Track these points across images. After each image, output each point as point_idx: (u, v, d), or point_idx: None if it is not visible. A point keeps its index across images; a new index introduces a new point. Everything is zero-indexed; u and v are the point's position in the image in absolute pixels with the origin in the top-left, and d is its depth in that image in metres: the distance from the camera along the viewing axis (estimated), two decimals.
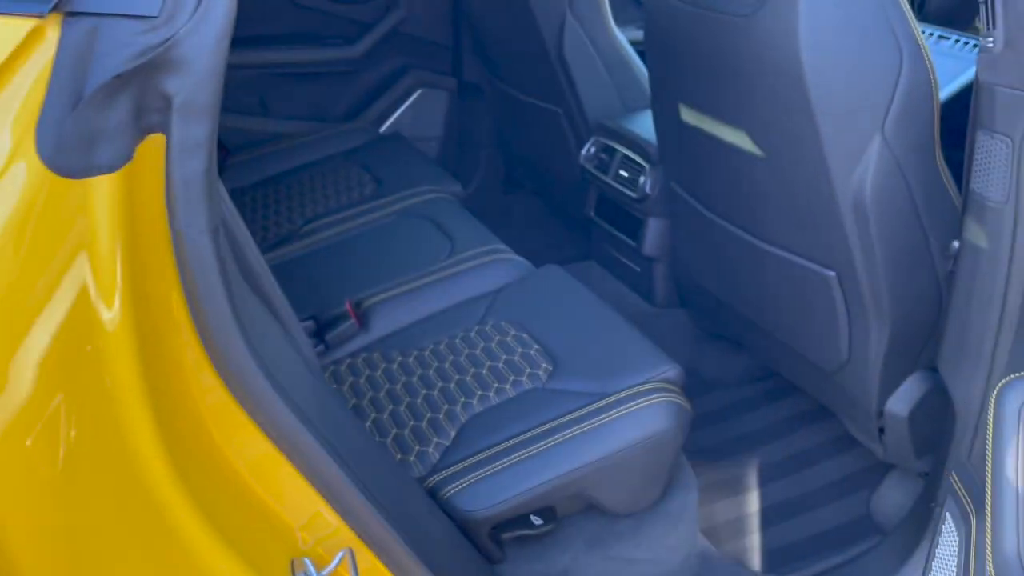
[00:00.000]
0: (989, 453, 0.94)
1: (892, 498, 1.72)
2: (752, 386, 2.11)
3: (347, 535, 0.93)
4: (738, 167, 1.56)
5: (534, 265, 1.83)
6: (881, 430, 1.58)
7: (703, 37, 1.48)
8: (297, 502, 0.90)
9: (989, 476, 0.93)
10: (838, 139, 1.36)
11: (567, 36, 2.14)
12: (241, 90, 2.55)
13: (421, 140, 2.73)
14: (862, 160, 1.36)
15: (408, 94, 2.71)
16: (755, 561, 1.65)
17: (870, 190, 1.37)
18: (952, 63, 1.80)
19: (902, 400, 1.53)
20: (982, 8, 1.21)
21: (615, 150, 2.14)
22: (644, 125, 2.10)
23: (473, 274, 1.79)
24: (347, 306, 1.71)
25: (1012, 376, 0.99)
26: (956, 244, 1.40)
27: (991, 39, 1.20)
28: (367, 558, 0.95)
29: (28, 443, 0.68)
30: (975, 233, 1.30)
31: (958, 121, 1.32)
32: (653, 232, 2.08)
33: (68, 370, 0.69)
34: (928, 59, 1.33)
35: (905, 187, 1.39)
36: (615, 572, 1.44)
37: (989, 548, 1.03)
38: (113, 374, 0.71)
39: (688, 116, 1.64)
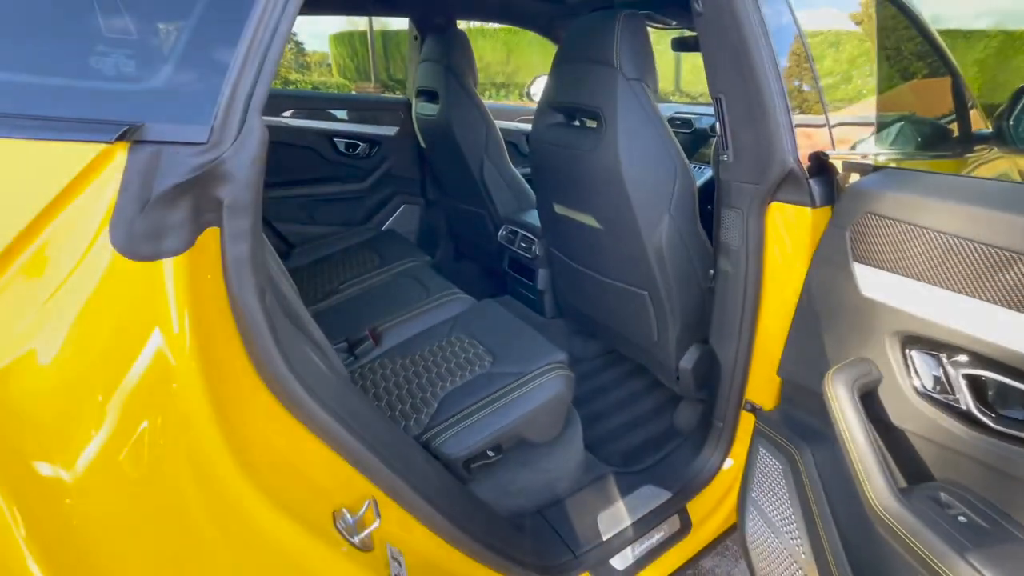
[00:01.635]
0: (841, 418, 0.79)
1: (685, 415, 1.64)
2: (602, 358, 2.00)
3: (370, 489, 0.76)
4: (588, 235, 1.46)
5: (476, 300, 1.69)
6: (677, 378, 1.49)
7: (565, 163, 1.38)
8: (332, 472, 0.72)
9: (845, 432, 0.78)
10: (645, 218, 1.27)
11: (485, 169, 2.02)
12: (298, 210, 2.33)
13: (405, 233, 2.57)
14: (658, 229, 1.28)
15: (396, 208, 2.55)
16: (615, 460, 1.53)
17: (665, 245, 1.29)
18: None
19: (688, 360, 1.45)
20: (718, 140, 1.14)
21: (517, 232, 2.02)
22: (534, 217, 2.00)
23: (441, 308, 1.63)
24: (368, 332, 1.52)
25: (835, 367, 0.86)
26: (712, 272, 1.32)
27: (725, 155, 1.13)
28: (386, 502, 0.78)
29: (121, 456, 0.49)
30: (724, 264, 1.22)
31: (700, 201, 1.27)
32: (542, 277, 1.96)
33: (151, 405, 0.51)
34: (690, 170, 1.26)
35: (682, 241, 1.30)
36: (537, 479, 1.29)
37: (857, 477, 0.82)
38: (188, 401, 0.53)
39: (558, 209, 1.54)
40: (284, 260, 2.14)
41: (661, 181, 1.23)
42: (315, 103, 2.31)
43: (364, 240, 2.24)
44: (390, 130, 2.43)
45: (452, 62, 1.92)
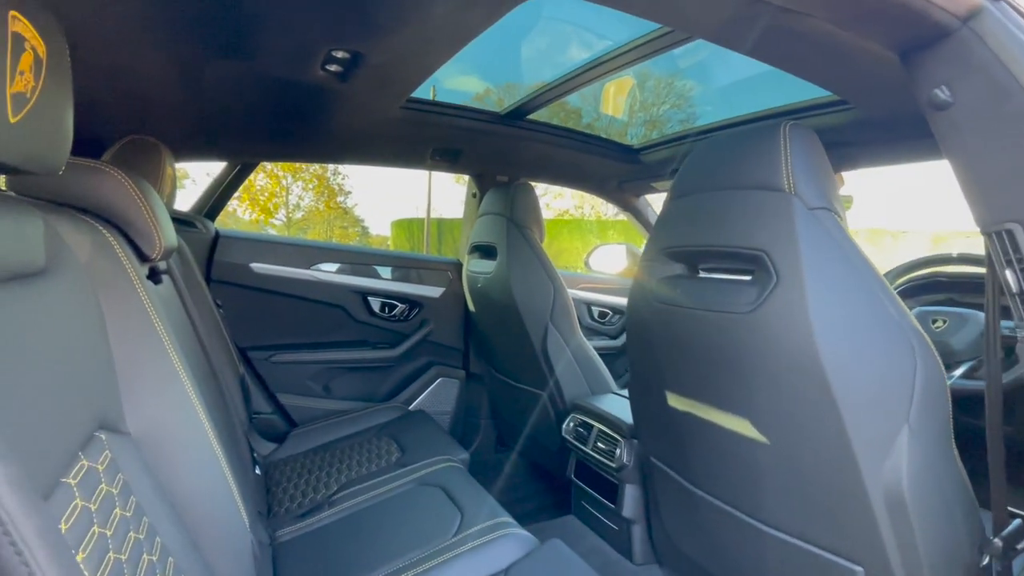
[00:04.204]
0: None
1: None
2: None
3: None
4: (736, 451, 0.88)
5: (520, 514, 1.08)
6: None
7: (695, 333, 0.88)
8: None
9: None
10: (864, 429, 0.70)
11: (549, 339, 1.55)
12: (311, 379, 1.86)
13: (439, 413, 2.03)
14: (892, 451, 0.69)
15: (431, 382, 2.05)
16: None
17: (907, 483, 0.69)
18: None
19: None
20: (1014, 301, 0.63)
21: (592, 425, 1.44)
22: (612, 405, 1.44)
23: (482, 552, 0.99)
24: None
25: None
26: (997, 542, 0.70)
27: None
28: None
29: None
30: None
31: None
32: (630, 497, 1.31)
33: None
34: (936, 354, 0.72)
35: (936, 481, 0.71)
36: None
37: None
38: None
39: (677, 402, 0.98)
40: (278, 445, 1.60)
41: (889, 369, 0.70)
42: (357, 258, 2.02)
43: (384, 423, 1.71)
44: (435, 291, 2.07)
45: (516, 214, 1.61)
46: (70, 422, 0.48)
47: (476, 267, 1.76)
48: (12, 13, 0.41)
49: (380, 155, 1.75)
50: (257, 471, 1.26)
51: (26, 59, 0.44)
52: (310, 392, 1.86)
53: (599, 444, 1.38)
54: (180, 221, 1.62)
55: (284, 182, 14.14)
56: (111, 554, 0.46)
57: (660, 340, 0.96)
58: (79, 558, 0.41)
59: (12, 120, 0.43)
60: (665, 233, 0.97)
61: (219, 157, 1.66)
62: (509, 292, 1.56)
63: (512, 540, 1.02)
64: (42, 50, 0.46)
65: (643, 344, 1.03)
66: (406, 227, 15.35)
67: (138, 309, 0.66)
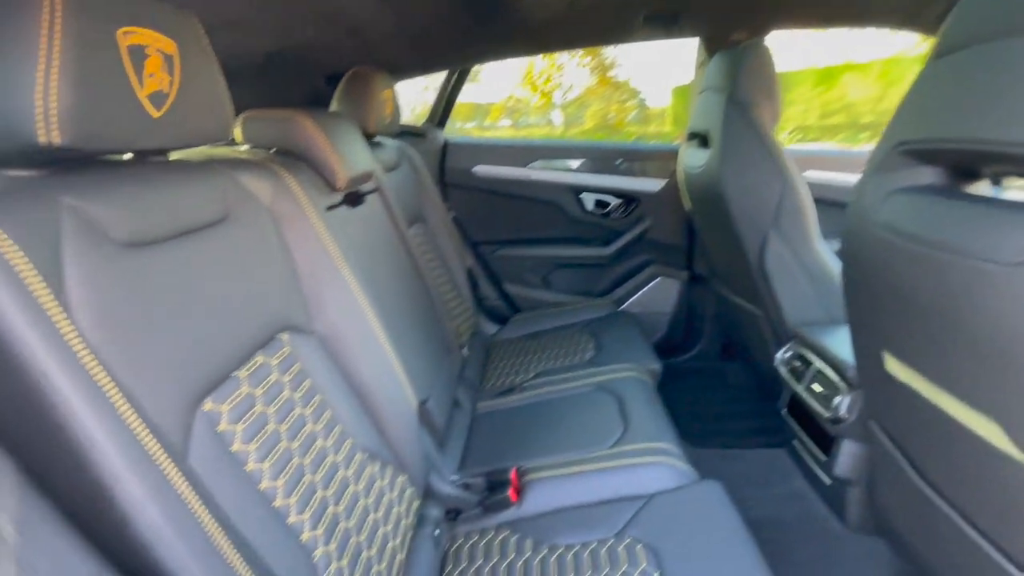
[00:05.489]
0: None
1: None
2: None
3: None
4: (979, 461, 0.58)
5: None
6: None
7: (928, 284, 0.57)
8: None
9: None
10: None
11: (769, 251, 1.25)
12: (530, 272, 2.03)
13: (656, 314, 1.97)
14: None
15: (649, 280, 1.97)
16: None
17: None
18: None
19: None
20: None
21: (810, 361, 1.16)
22: (845, 342, 1.12)
23: (630, 472, 0.99)
24: (513, 475, 1.03)
25: None
26: None
27: None
28: None
29: None
30: None
31: None
32: (846, 455, 1.05)
33: None
34: None
35: None
36: None
37: None
38: None
39: (897, 369, 0.69)
40: (500, 327, 1.87)
41: None
42: (572, 153, 1.97)
43: (590, 320, 1.76)
44: (655, 184, 1.88)
45: (738, 89, 1.26)
46: (248, 330, 0.68)
47: (690, 158, 1.50)
48: (122, 31, 0.51)
49: (583, 35, 1.57)
50: (465, 351, 1.51)
51: (153, 63, 0.55)
52: (531, 283, 2.04)
53: (815, 386, 1.11)
54: (411, 134, 1.88)
55: (559, 62, 14.30)
56: (270, 425, 0.65)
57: (877, 282, 0.66)
58: (238, 429, 0.61)
59: (156, 115, 0.56)
60: (910, 117, 0.61)
61: (435, 68, 1.79)
62: (721, 191, 1.29)
63: (665, 470, 0.97)
64: (171, 47, 0.57)
65: (856, 282, 0.73)
66: (683, 94, 13.86)
67: (314, 236, 0.83)
